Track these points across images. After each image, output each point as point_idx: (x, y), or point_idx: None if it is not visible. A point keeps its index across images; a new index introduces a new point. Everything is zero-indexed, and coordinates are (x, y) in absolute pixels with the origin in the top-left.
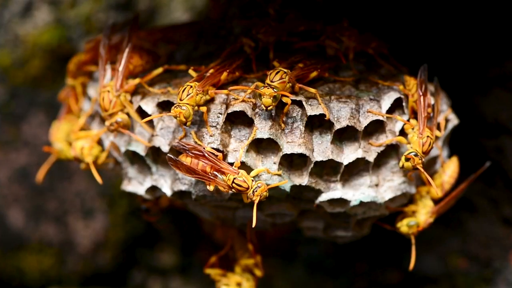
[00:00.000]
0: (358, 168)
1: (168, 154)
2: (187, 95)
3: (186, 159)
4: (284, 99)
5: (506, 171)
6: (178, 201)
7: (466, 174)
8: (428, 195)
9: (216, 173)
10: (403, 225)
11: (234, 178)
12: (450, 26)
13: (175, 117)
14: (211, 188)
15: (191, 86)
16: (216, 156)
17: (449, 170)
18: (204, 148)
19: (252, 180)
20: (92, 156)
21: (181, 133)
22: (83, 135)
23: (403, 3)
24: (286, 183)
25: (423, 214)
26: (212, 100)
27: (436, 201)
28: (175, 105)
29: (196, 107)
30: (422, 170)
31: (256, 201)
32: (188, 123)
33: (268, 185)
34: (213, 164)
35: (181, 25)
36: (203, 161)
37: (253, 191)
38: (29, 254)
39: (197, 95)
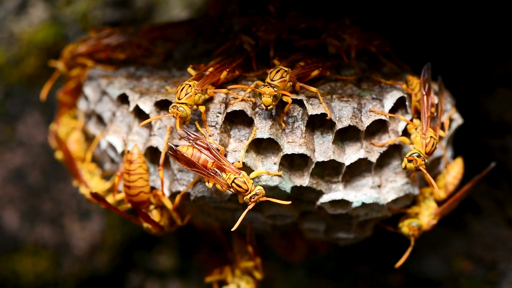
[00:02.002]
0: (360, 168)
1: (168, 143)
2: (186, 95)
3: (187, 151)
4: (285, 98)
5: None
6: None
7: (471, 175)
8: (431, 196)
9: (216, 170)
10: (404, 226)
11: (235, 178)
12: (454, 24)
13: (173, 116)
14: (210, 185)
15: (190, 85)
16: (219, 151)
17: (453, 171)
18: (209, 142)
19: (252, 183)
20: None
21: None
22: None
23: (406, 1)
24: (286, 185)
25: (426, 216)
26: (211, 99)
27: (439, 203)
28: (172, 105)
29: (194, 106)
30: (425, 171)
31: (250, 207)
32: (187, 123)
33: (267, 196)
34: (216, 160)
35: (180, 23)
36: (206, 155)
37: (251, 197)
38: (24, 257)
39: (195, 94)
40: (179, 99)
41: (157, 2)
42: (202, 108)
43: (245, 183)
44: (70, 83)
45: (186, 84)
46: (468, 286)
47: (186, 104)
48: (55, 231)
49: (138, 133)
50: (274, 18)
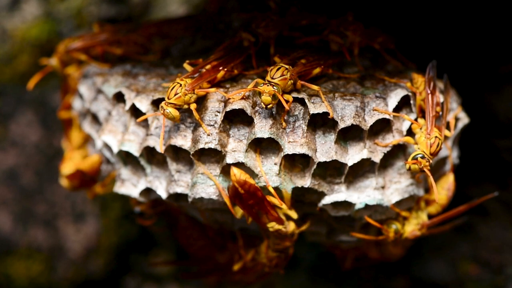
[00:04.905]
0: (363, 169)
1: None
2: (175, 95)
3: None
4: (286, 96)
5: None
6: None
7: (477, 176)
8: (426, 208)
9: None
10: (385, 224)
11: (279, 229)
12: (460, 21)
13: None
14: (238, 215)
15: (180, 85)
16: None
17: (446, 183)
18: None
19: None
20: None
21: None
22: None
23: None
24: (287, 186)
25: (412, 224)
26: (205, 96)
27: (430, 217)
28: (160, 105)
29: (185, 106)
30: (428, 173)
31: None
32: (177, 121)
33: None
34: (266, 212)
35: (177, 19)
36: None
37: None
38: (17, 260)
39: (185, 95)
40: (168, 98)
41: None
42: (193, 106)
43: (286, 232)
44: (67, 98)
45: (177, 83)
46: None
47: (174, 105)
48: (49, 233)
49: (134, 133)
50: (274, 14)
